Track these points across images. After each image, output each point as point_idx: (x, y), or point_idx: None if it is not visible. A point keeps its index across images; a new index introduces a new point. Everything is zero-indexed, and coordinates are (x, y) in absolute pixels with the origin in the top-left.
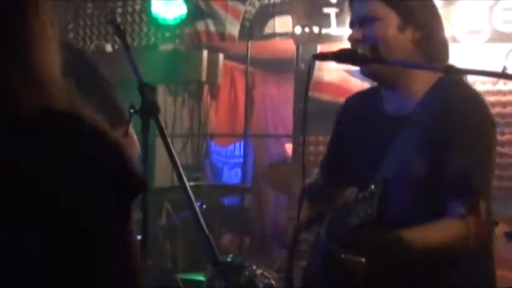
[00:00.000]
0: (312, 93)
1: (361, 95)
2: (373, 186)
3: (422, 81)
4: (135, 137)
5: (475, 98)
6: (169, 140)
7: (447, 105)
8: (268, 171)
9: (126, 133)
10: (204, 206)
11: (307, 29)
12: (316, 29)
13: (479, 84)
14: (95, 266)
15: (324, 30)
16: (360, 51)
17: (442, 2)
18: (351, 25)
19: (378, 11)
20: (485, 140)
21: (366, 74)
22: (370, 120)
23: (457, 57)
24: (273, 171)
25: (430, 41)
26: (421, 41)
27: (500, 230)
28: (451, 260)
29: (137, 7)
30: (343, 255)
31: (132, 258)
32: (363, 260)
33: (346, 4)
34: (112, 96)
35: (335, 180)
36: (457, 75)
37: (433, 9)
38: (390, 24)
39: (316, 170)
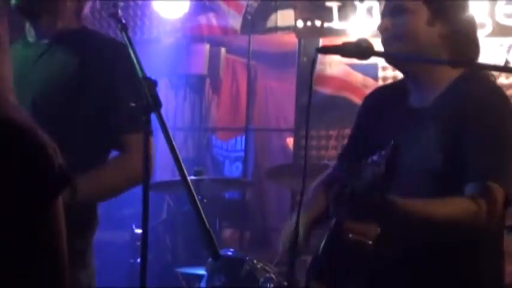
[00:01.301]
0: (314, 87)
1: (385, 88)
2: (383, 150)
3: (445, 75)
4: (152, 143)
5: (495, 91)
6: (170, 134)
7: (468, 98)
8: (267, 174)
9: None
10: (205, 200)
11: (309, 23)
12: (318, 23)
13: None
14: (7, 263)
15: (326, 24)
16: (363, 44)
17: None
18: (382, 16)
19: (408, 3)
20: (504, 131)
21: (390, 62)
22: (392, 111)
23: None
24: (272, 173)
25: (458, 37)
26: (449, 36)
27: None
28: (460, 250)
29: (139, 1)
30: (350, 235)
31: (53, 256)
32: (370, 242)
33: None
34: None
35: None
36: (479, 69)
37: (464, 5)
38: (420, 17)
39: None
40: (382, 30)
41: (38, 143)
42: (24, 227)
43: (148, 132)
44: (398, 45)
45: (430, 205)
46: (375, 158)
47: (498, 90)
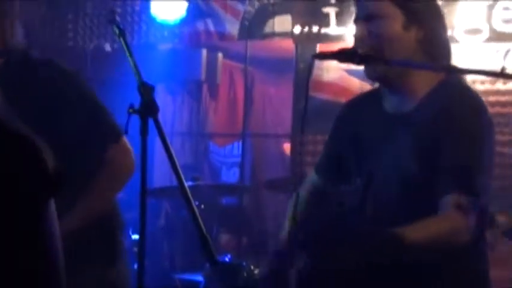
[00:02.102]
0: (311, 93)
1: (362, 97)
2: (358, 180)
3: (424, 82)
4: (126, 142)
5: (473, 101)
6: (168, 140)
7: (445, 107)
8: (265, 185)
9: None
10: (202, 206)
11: (306, 29)
12: (315, 29)
13: (478, 83)
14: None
15: (323, 30)
16: (360, 50)
17: (441, 1)
18: (355, 21)
19: (383, 8)
20: (479, 141)
21: (370, 76)
22: (369, 119)
23: (456, 57)
24: (270, 185)
25: (433, 41)
26: (424, 40)
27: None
28: (441, 258)
29: (136, 7)
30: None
31: (46, 259)
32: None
33: (346, 4)
34: (101, 116)
35: (331, 179)
36: (458, 76)
37: (437, 9)
38: (395, 22)
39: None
40: (358, 37)
41: (33, 145)
42: (21, 227)
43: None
44: (375, 50)
45: (409, 232)
46: (351, 188)
47: (476, 100)
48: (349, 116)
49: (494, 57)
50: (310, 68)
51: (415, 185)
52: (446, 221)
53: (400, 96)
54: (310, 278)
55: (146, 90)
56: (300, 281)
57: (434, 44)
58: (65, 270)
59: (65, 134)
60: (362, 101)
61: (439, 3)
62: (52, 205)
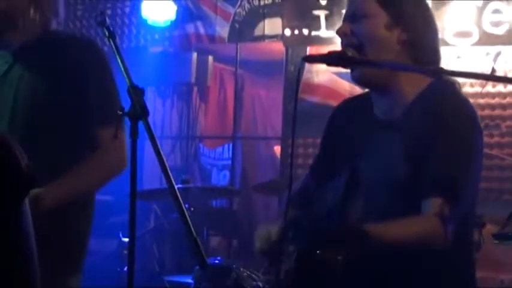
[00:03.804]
0: (301, 95)
1: (352, 100)
2: (341, 175)
3: (412, 86)
4: (124, 138)
5: (461, 105)
6: (158, 143)
7: (433, 111)
8: (255, 188)
9: (116, 136)
10: (192, 209)
11: (296, 31)
12: (305, 31)
13: (468, 86)
14: None
15: (314, 33)
16: (349, 53)
17: (431, 4)
18: (343, 21)
19: (367, 8)
20: (466, 146)
21: (355, 79)
22: (359, 123)
23: (446, 60)
24: (260, 187)
25: (418, 44)
26: (408, 42)
27: (488, 231)
28: (423, 259)
29: (127, 9)
30: (317, 251)
31: (21, 257)
32: (339, 257)
33: (336, 6)
34: (106, 95)
35: (324, 180)
36: (447, 79)
37: (425, 12)
38: (379, 22)
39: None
40: (341, 34)
41: (5, 145)
42: None
43: (119, 128)
44: (356, 49)
45: (389, 228)
46: (334, 182)
47: (464, 104)
48: (340, 118)
49: (484, 59)
50: (300, 70)
51: (403, 189)
52: (425, 224)
53: (388, 100)
54: (299, 274)
55: (136, 93)
56: (289, 276)
57: (419, 46)
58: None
59: (74, 111)
60: (353, 104)
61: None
62: (26, 203)
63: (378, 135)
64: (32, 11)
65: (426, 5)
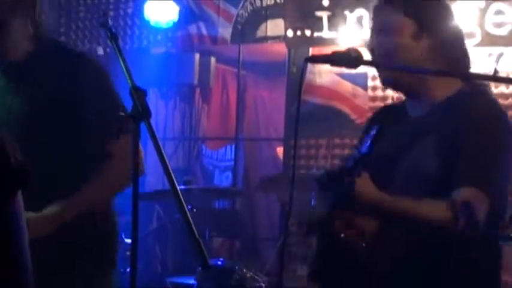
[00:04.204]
0: (303, 97)
1: (388, 106)
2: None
3: (442, 89)
4: (140, 148)
5: (490, 106)
6: (160, 144)
7: (463, 111)
8: (258, 186)
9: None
10: (195, 210)
11: (299, 32)
12: (308, 32)
13: None
14: None
15: (316, 34)
16: (353, 54)
17: None
18: (371, 33)
19: (394, 20)
20: (496, 146)
21: (386, 83)
22: (393, 123)
23: None
24: (264, 186)
25: (446, 49)
26: (436, 49)
27: None
28: (457, 262)
29: (129, 10)
30: (342, 235)
31: (13, 253)
32: (363, 244)
33: (338, 8)
34: (116, 105)
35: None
36: (478, 82)
37: (450, 18)
38: (406, 32)
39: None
40: (370, 50)
41: None
42: None
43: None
44: (385, 62)
45: (404, 201)
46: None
47: (494, 104)
48: (377, 119)
49: (486, 60)
50: (302, 71)
51: (435, 184)
52: (439, 211)
53: (418, 102)
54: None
55: (138, 95)
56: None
57: (448, 52)
58: (32, 265)
59: (80, 123)
60: (390, 108)
61: None
62: (19, 199)
63: (408, 132)
64: (17, 21)
65: (451, 12)
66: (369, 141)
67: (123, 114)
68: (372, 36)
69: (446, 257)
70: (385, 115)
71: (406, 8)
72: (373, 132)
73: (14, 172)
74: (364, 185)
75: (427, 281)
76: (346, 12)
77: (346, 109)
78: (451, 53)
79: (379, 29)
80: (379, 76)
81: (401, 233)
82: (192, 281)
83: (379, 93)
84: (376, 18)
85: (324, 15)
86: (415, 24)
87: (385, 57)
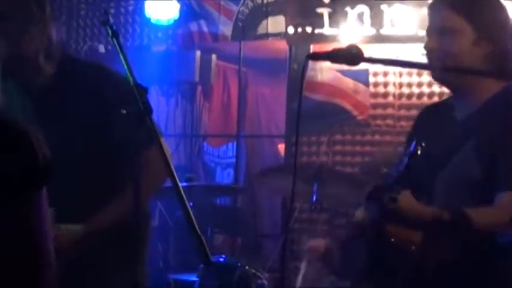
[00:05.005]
0: (305, 93)
1: (435, 105)
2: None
3: (488, 89)
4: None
5: None
6: (162, 141)
7: (505, 110)
8: (259, 176)
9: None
10: (196, 207)
11: (300, 29)
12: (309, 29)
13: None
14: None
15: (317, 30)
16: (354, 51)
17: None
18: (428, 32)
19: (455, 23)
20: None
21: (437, 79)
22: (438, 123)
23: None
24: (265, 175)
25: (503, 55)
26: (494, 54)
27: None
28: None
29: (130, 8)
30: (392, 239)
31: (32, 250)
32: (413, 247)
33: (339, 4)
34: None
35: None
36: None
37: (507, 23)
38: (466, 38)
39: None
40: (429, 49)
41: (24, 136)
42: (10, 217)
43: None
44: (445, 65)
45: (475, 214)
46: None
47: None
48: (425, 118)
49: None
50: (304, 68)
51: (478, 185)
52: (504, 211)
53: (464, 101)
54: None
55: (140, 92)
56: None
57: (504, 58)
58: (56, 263)
59: (106, 138)
60: (437, 106)
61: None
62: (43, 195)
63: (453, 134)
64: (45, 40)
65: (507, 16)
66: (406, 159)
67: (124, 111)
68: (431, 36)
69: (491, 262)
70: (430, 115)
71: (468, 15)
72: (410, 149)
73: (40, 168)
74: (406, 200)
75: (474, 284)
76: (347, 9)
77: (347, 106)
78: (506, 59)
79: (442, 31)
80: (433, 73)
81: (448, 239)
82: (194, 278)
83: (381, 89)
84: (438, 19)
85: (324, 12)
86: (474, 31)
87: (446, 60)
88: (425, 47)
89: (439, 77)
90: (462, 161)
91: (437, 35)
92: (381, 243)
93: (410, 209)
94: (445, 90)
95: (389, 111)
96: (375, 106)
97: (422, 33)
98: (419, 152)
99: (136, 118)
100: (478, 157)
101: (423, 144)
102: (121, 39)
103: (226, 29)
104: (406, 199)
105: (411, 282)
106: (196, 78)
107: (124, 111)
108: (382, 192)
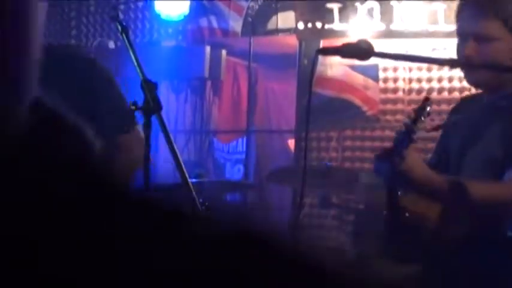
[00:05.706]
0: (315, 89)
1: (467, 97)
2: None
3: None
4: (141, 135)
5: None
6: (171, 137)
7: None
8: (268, 177)
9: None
10: (206, 203)
11: (310, 25)
12: (319, 25)
13: None
14: None
15: (327, 26)
16: (364, 45)
17: (445, 3)
18: (462, 37)
19: (495, 31)
20: None
21: (472, 82)
22: (468, 111)
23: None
24: (273, 176)
25: None
26: None
27: None
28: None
29: (140, 3)
30: (407, 214)
31: None
32: (427, 223)
33: None
34: (122, 104)
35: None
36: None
37: None
38: (505, 45)
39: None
40: (468, 55)
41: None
42: None
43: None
44: (483, 72)
45: (475, 186)
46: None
47: None
48: (458, 109)
49: None
50: (313, 63)
51: (500, 167)
52: (508, 187)
53: (494, 91)
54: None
55: (149, 88)
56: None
57: None
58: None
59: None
60: (467, 100)
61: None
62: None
63: (481, 118)
64: None
65: None
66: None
67: (134, 107)
68: (468, 42)
69: (500, 255)
70: (463, 106)
71: (499, 12)
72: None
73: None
74: (413, 162)
75: (490, 257)
76: (357, 4)
77: (357, 101)
78: None
79: (481, 37)
80: (466, 76)
81: (464, 212)
82: None
83: (391, 84)
84: (475, 24)
85: (334, 7)
86: (505, 27)
87: (487, 66)
88: (460, 52)
89: (475, 82)
90: (486, 144)
91: (476, 41)
92: (396, 216)
93: (416, 169)
94: (455, 85)
95: (399, 106)
96: (384, 101)
97: (432, 28)
98: (428, 109)
99: (116, 102)
100: (500, 141)
101: (430, 101)
102: (131, 35)
103: (236, 24)
104: (412, 157)
105: (427, 256)
106: (206, 74)
107: (133, 107)
108: (392, 154)
